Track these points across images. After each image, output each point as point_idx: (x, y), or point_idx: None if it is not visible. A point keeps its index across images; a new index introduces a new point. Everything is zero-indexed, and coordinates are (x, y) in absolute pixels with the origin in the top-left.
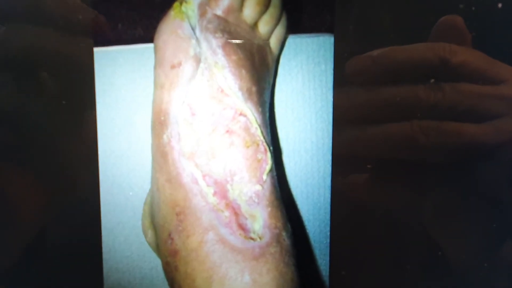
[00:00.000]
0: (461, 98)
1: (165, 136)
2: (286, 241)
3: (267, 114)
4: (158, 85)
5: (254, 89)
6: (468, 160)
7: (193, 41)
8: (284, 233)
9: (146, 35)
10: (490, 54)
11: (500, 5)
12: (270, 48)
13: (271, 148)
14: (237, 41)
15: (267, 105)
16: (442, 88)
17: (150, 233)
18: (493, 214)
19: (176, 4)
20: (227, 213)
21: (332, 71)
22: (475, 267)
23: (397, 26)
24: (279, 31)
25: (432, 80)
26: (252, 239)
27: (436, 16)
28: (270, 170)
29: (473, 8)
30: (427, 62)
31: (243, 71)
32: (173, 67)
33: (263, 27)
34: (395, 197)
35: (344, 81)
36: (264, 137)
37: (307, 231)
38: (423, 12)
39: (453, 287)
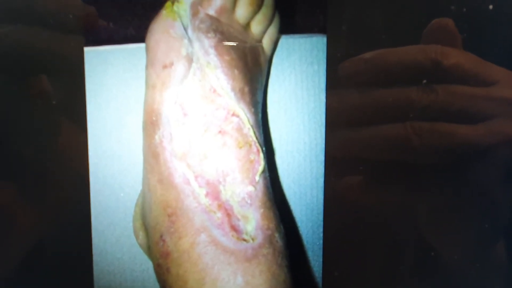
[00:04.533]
0: (453, 99)
1: (156, 137)
2: (279, 242)
3: (260, 115)
4: (149, 85)
5: (246, 89)
6: (461, 161)
7: (185, 41)
8: (276, 234)
9: (138, 34)
10: (481, 55)
11: (491, 6)
12: (262, 48)
13: (264, 148)
14: (230, 44)
15: (260, 105)
16: (434, 89)
17: (141, 234)
18: (486, 214)
19: (168, 3)
20: (219, 214)
21: (324, 72)
22: (468, 267)
23: (389, 26)
24: (271, 31)
25: (424, 82)
26: (244, 240)
27: (428, 17)
28: (263, 171)
29: (465, 10)
30: (419, 64)
31: (236, 71)
32: (165, 67)
33: (256, 27)
34: (388, 198)
35: (337, 82)
36: (256, 138)
37: (300, 232)
38: (415, 13)
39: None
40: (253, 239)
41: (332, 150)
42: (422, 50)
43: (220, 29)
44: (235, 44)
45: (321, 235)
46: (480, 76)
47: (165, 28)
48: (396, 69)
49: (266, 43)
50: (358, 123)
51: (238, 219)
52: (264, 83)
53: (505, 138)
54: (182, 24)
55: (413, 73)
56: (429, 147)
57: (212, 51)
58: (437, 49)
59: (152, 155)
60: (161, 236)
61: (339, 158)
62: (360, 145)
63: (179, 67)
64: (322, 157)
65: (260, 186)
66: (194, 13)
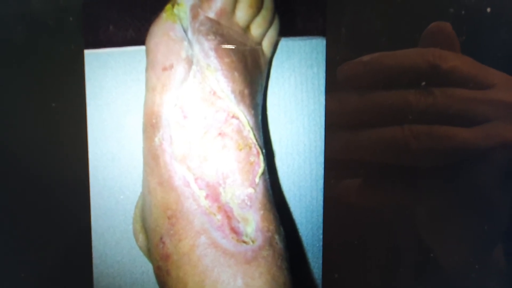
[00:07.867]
0: (451, 102)
1: (156, 139)
2: (279, 245)
3: (260, 117)
4: (149, 88)
5: (246, 91)
6: (459, 164)
7: (185, 43)
8: (276, 236)
9: (138, 37)
10: (479, 58)
11: (489, 9)
12: (262, 50)
13: (264, 150)
14: (230, 46)
15: (260, 107)
16: (432, 92)
17: (141, 237)
18: (484, 217)
19: (168, 6)
20: (219, 217)
21: (324, 74)
22: (467, 270)
23: (388, 29)
24: (271, 33)
25: (423, 85)
26: (244, 242)
27: (427, 20)
28: (263, 173)
29: (463, 13)
30: (417, 67)
31: (236, 74)
32: (165, 69)
33: (255, 30)
34: (386, 200)
35: (336, 85)
36: (256, 140)
37: (300, 234)
38: (413, 16)
39: None
40: (253, 241)
41: (331, 152)
42: (420, 54)
43: (220, 31)
44: (235, 47)
45: (321, 237)
46: (477, 79)
47: (165, 31)
48: (395, 72)
49: (266, 45)
50: (357, 125)
51: (238, 221)
52: (264, 85)
53: (503, 140)
54: (182, 26)
55: (411, 76)
56: (427, 149)
57: (212, 53)
58: (435, 52)
59: (152, 157)
60: (161, 238)
61: (338, 160)
62: (359, 147)
63: (179, 70)
64: (321, 159)
65: (260, 188)
66: (194, 16)
